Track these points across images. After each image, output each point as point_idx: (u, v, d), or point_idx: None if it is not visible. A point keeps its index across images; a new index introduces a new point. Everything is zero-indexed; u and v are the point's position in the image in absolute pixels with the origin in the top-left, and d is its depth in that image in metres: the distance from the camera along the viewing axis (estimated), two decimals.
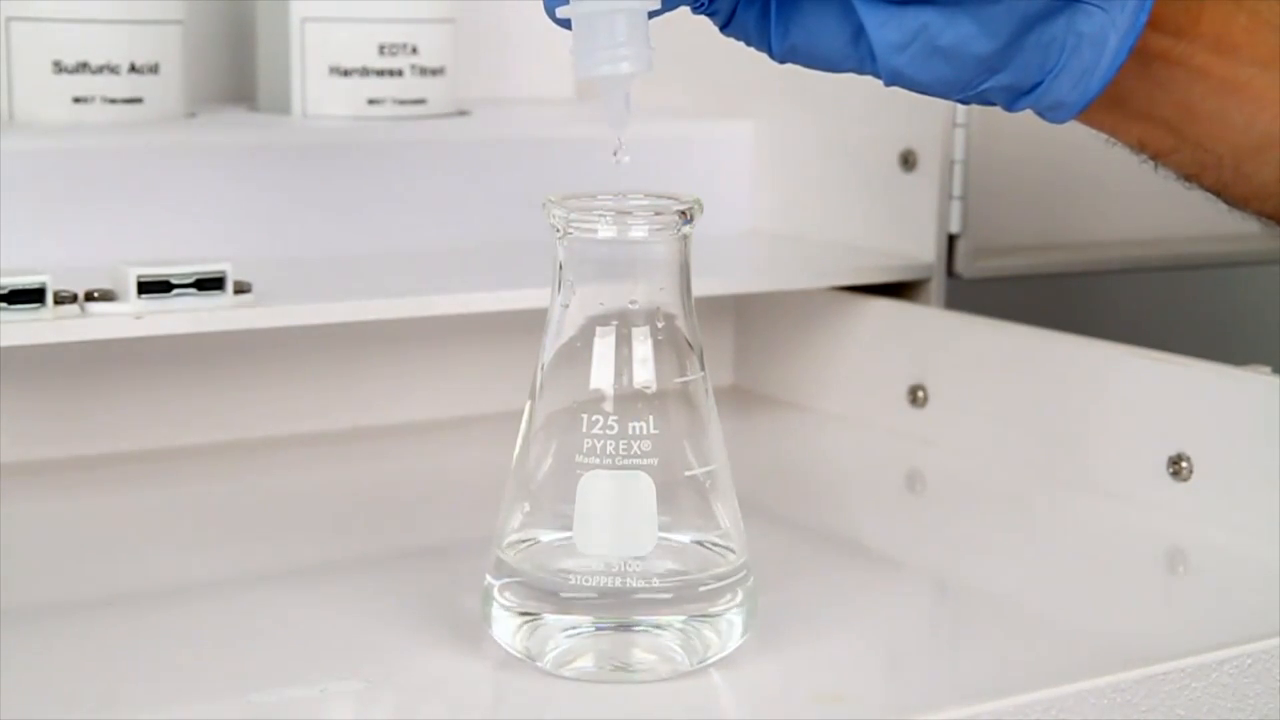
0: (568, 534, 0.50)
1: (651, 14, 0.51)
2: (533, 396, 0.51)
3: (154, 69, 0.80)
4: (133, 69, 0.79)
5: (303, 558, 0.63)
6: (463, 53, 0.90)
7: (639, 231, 0.50)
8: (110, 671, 0.52)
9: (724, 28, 0.55)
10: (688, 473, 0.50)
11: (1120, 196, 0.91)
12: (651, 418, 0.49)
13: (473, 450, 0.78)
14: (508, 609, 0.51)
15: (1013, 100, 0.55)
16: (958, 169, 0.81)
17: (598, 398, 0.50)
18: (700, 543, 0.51)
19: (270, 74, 0.87)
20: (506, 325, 0.79)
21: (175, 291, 0.66)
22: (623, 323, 0.50)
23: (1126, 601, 0.60)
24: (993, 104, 0.56)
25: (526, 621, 0.50)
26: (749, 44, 0.55)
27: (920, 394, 0.79)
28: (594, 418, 0.49)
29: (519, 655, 0.50)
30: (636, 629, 0.49)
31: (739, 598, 0.51)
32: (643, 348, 0.50)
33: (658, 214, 0.50)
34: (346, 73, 0.85)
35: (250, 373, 0.78)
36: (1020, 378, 0.74)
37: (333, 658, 0.53)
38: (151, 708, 0.49)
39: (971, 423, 0.77)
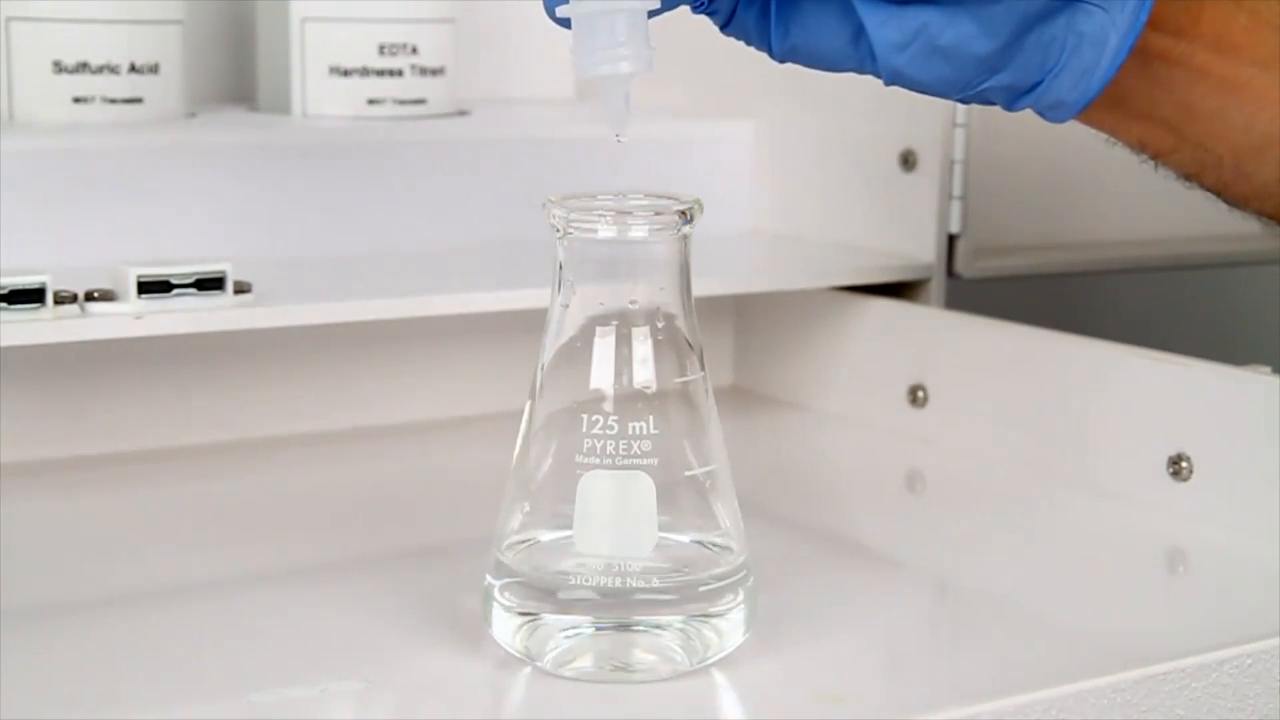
0: (568, 534, 0.50)
1: (651, 14, 0.51)
2: (533, 396, 0.51)
3: (154, 69, 0.80)
4: (133, 69, 0.79)
5: (303, 558, 0.63)
6: (463, 53, 0.90)
7: (639, 231, 0.50)
8: (110, 671, 0.52)
9: (724, 27, 0.55)
10: (688, 473, 0.50)
11: (1120, 196, 0.91)
12: (651, 418, 0.49)
13: (473, 450, 0.78)
14: (508, 609, 0.50)
15: (1013, 100, 0.55)
16: (958, 169, 0.81)
17: (598, 398, 0.50)
18: (700, 543, 0.51)
19: (270, 74, 0.87)
20: (506, 325, 0.79)
21: (175, 291, 0.66)
22: (623, 323, 0.50)
23: (1126, 601, 0.60)
24: (993, 104, 0.56)
25: (526, 621, 0.50)
26: (749, 44, 0.55)
27: (920, 394, 0.79)
28: (594, 418, 0.49)
29: (519, 655, 0.50)
30: (636, 629, 0.49)
31: (739, 598, 0.51)
32: (643, 348, 0.50)
33: (658, 214, 0.50)
34: (346, 73, 0.85)
35: (250, 373, 0.78)
36: (1020, 378, 0.74)
37: (333, 658, 0.52)
38: (151, 708, 0.49)
39: (971, 423, 0.77)
